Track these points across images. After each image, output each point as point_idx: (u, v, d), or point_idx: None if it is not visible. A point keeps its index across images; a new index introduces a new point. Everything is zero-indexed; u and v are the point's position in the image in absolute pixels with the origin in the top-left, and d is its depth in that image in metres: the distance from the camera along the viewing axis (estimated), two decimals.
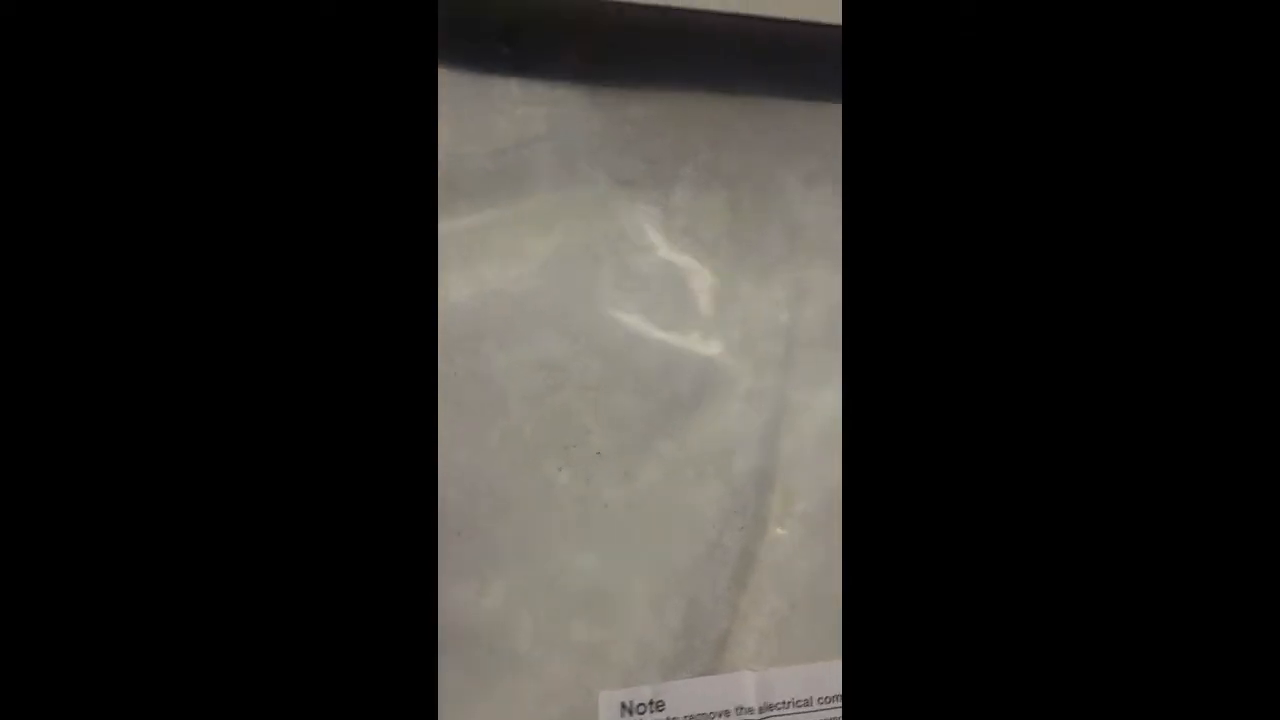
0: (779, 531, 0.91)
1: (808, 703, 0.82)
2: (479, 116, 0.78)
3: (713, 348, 0.91)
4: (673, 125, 0.89)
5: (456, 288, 0.73)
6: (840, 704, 0.83)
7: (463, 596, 0.67)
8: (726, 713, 0.80)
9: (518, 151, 0.80)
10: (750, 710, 0.81)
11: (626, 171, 0.88)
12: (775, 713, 0.80)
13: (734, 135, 0.91)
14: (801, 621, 0.90)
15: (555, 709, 0.70)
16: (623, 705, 0.75)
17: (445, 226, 0.70)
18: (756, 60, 0.89)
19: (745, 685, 0.83)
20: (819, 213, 0.98)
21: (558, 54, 0.81)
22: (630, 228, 0.88)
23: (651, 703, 0.77)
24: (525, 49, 0.75)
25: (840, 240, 0.95)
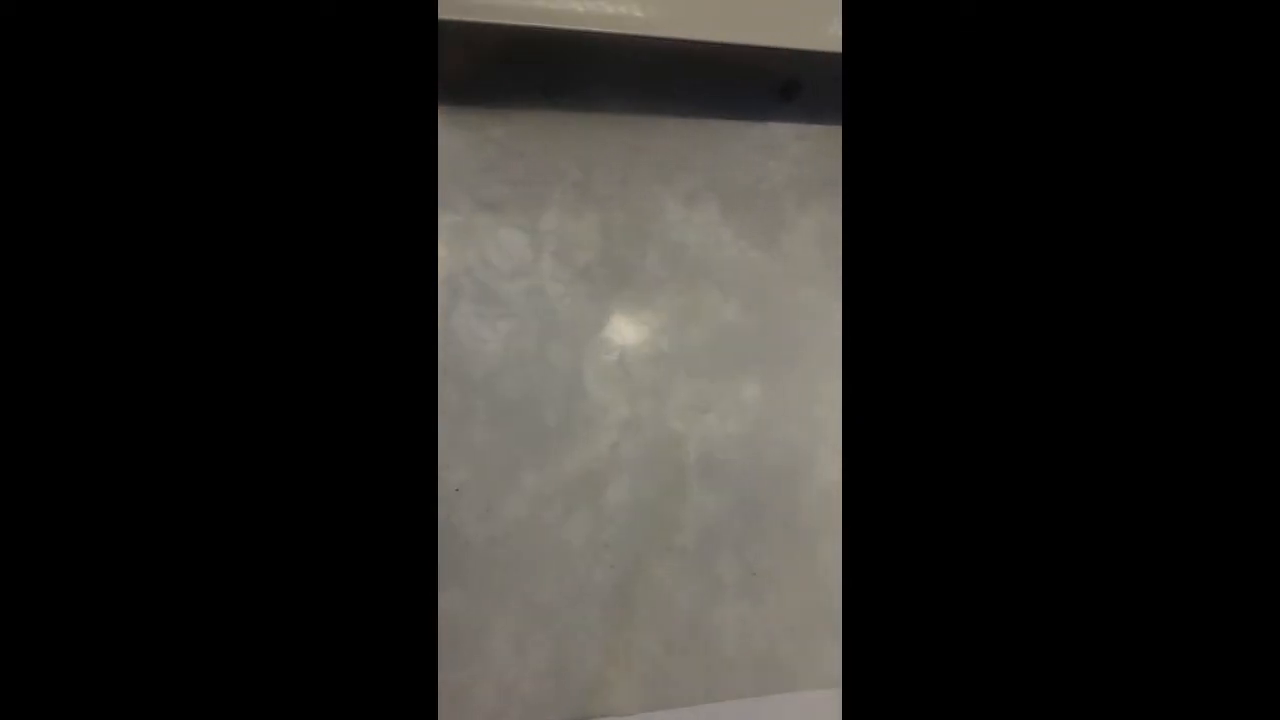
0: (656, 567, 0.90)
1: None
2: None
3: (584, 376, 0.88)
4: (538, 145, 0.86)
5: None
6: None
7: None
8: None
9: None
10: None
11: (490, 195, 0.86)
12: None
13: (605, 154, 0.89)
14: (679, 663, 0.89)
15: None
16: None
17: None
18: (626, 76, 0.87)
19: None
20: (701, 234, 0.96)
21: None
22: (495, 253, 0.85)
23: None
24: None
25: (724, 260, 0.92)
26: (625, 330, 0.86)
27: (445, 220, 0.83)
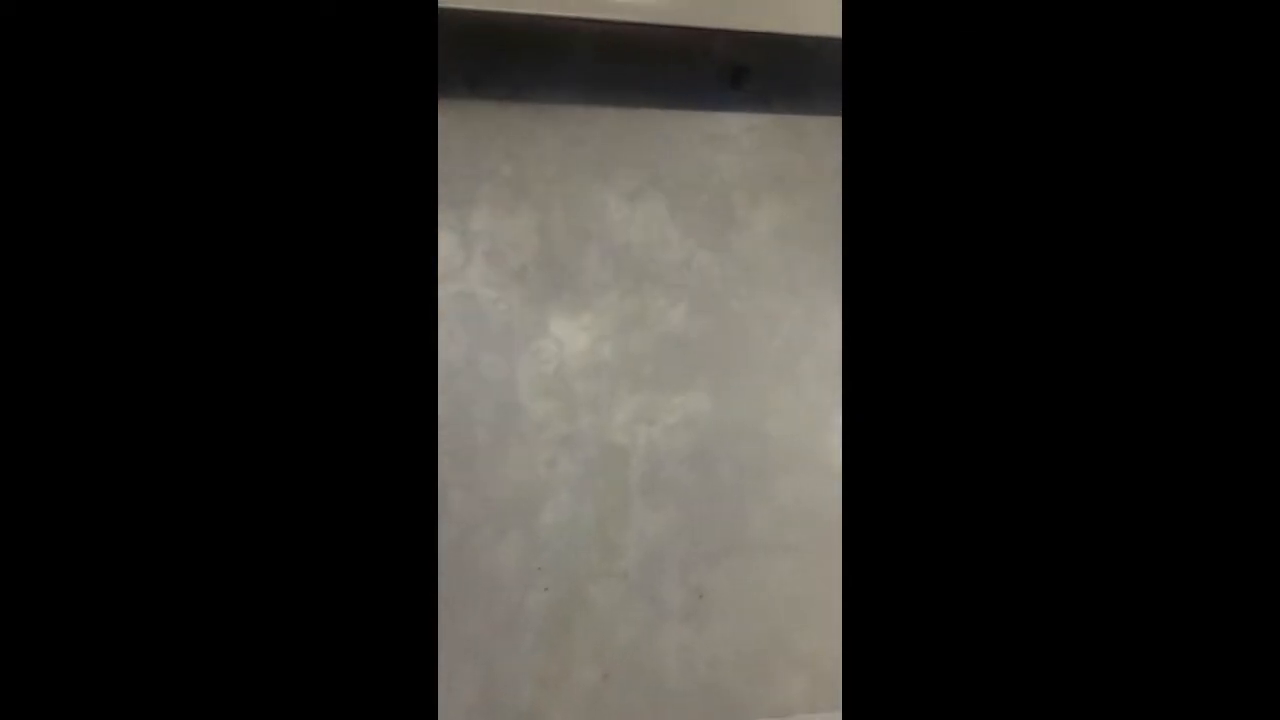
0: (594, 591, 0.83)
1: None
2: None
3: (519, 388, 0.80)
4: (465, 139, 0.77)
5: None
6: None
7: None
8: None
9: None
10: None
11: None
12: None
13: (538, 149, 0.81)
14: (618, 694, 0.82)
15: None
16: None
17: None
18: (558, 63, 0.80)
19: None
20: (646, 233, 0.88)
21: None
22: None
23: None
24: None
25: (671, 261, 0.86)
26: (564, 338, 0.80)
27: None
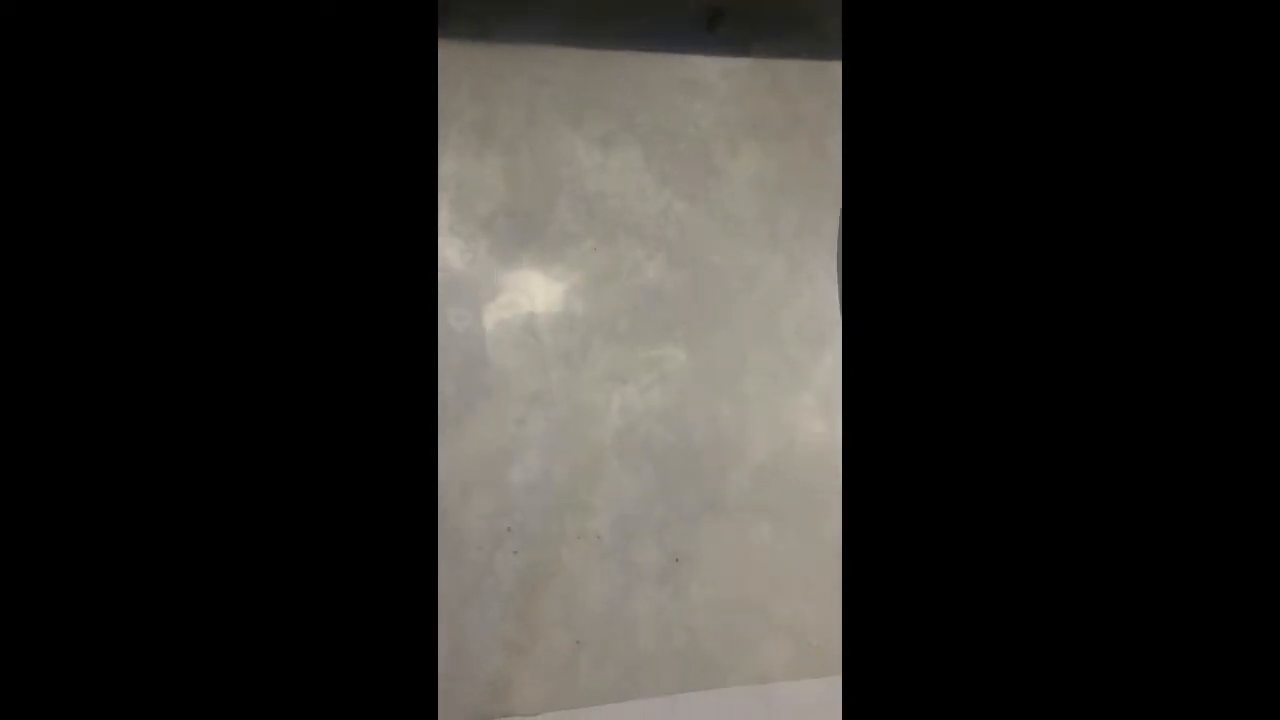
0: (566, 554, 0.80)
1: None
2: None
3: (486, 342, 0.78)
4: None
5: None
6: None
7: None
8: None
9: None
10: None
11: None
12: None
13: (506, 90, 0.79)
14: (590, 660, 0.78)
15: None
16: None
17: None
18: (526, 1, 0.77)
19: None
20: (620, 181, 0.85)
21: None
22: None
23: None
24: None
25: (645, 212, 0.83)
26: (534, 290, 0.77)
27: None
